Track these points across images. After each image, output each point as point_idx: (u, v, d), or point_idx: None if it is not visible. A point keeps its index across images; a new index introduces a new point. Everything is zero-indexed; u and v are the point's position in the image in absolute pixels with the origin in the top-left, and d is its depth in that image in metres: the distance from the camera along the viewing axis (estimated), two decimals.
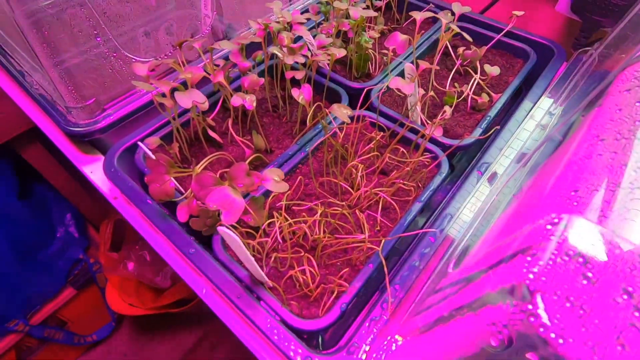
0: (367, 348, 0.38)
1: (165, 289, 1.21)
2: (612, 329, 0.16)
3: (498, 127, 0.54)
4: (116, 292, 1.14)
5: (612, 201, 0.21)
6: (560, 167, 0.26)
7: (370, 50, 0.66)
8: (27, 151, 1.02)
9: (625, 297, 0.16)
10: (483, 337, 0.19)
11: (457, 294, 0.26)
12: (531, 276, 0.17)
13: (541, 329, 0.16)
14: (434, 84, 0.66)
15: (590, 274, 0.17)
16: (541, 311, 0.16)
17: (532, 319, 0.16)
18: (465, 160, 0.63)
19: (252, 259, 0.39)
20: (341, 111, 0.49)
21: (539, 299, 0.17)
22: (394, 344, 0.34)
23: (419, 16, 0.55)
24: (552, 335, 0.16)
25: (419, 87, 0.53)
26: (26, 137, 0.97)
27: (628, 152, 0.23)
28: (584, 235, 0.18)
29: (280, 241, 0.46)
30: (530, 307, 0.17)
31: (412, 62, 0.55)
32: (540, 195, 0.26)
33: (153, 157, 0.43)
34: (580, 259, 0.18)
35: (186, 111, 0.57)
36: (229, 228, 0.37)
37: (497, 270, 0.21)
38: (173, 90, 0.46)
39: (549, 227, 0.19)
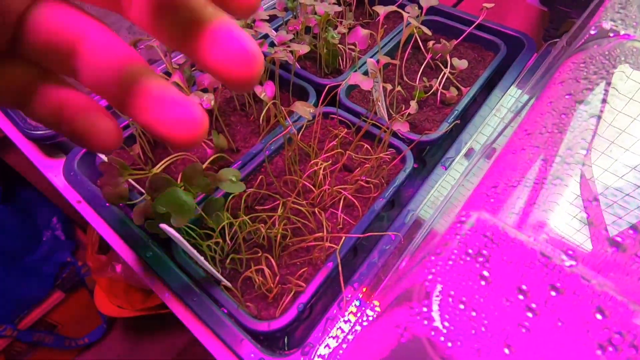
0: (322, 347, 0.38)
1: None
2: (500, 331, 0.15)
3: (458, 121, 0.53)
4: (104, 294, 1.14)
5: (526, 198, 0.20)
6: (491, 162, 0.25)
7: (339, 46, 0.65)
8: (10, 155, 1.01)
9: (520, 297, 0.16)
10: (391, 339, 0.18)
11: (389, 294, 0.25)
12: (430, 277, 0.17)
13: (432, 332, 0.16)
14: (405, 79, 0.65)
15: (487, 273, 0.17)
16: (434, 314, 0.16)
17: (425, 322, 0.16)
18: (438, 155, 0.62)
19: (202, 257, 0.39)
20: (303, 108, 0.49)
21: (433, 301, 0.16)
22: (345, 343, 0.34)
23: (382, 10, 0.55)
24: (442, 338, 0.15)
25: (382, 82, 0.53)
26: (8, 141, 0.97)
27: (549, 147, 0.22)
28: (487, 234, 0.18)
29: (233, 243, 0.45)
30: (425, 309, 0.16)
31: (377, 58, 0.54)
32: (470, 192, 0.25)
33: (105, 159, 0.43)
34: (480, 258, 0.17)
35: None
36: (171, 226, 0.37)
37: (413, 270, 0.20)
38: None
39: (458, 225, 0.19)
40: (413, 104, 0.54)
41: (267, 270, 0.41)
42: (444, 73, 0.62)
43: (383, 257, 0.44)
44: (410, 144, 0.53)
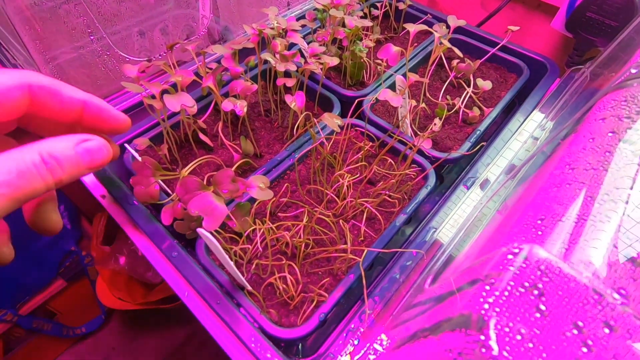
0: (343, 359, 0.39)
1: (155, 284, 1.21)
2: None
3: (484, 143, 0.54)
4: (106, 286, 1.15)
5: (574, 233, 0.21)
6: (532, 193, 0.26)
7: (365, 59, 0.66)
8: (21, 142, 1.02)
9: (575, 331, 0.17)
10: None
11: (425, 314, 0.26)
12: (486, 306, 0.18)
13: None
14: (427, 95, 0.66)
15: (543, 307, 0.18)
16: (492, 343, 0.17)
17: (483, 350, 0.17)
18: (455, 172, 0.63)
19: (232, 263, 0.39)
20: (332, 120, 0.50)
21: (491, 331, 0.17)
22: (370, 355, 0.34)
23: (412, 28, 0.56)
24: None
25: (409, 98, 0.54)
26: (22, 130, 0.98)
27: (595, 184, 0.23)
28: (541, 268, 0.19)
29: (260, 249, 0.46)
30: (482, 337, 0.17)
31: (404, 73, 0.55)
32: (510, 220, 0.26)
33: (139, 159, 0.44)
34: (536, 291, 0.18)
35: (177, 113, 0.57)
36: (209, 231, 0.37)
37: (459, 295, 0.21)
38: (163, 92, 0.47)
39: (509, 256, 0.19)
40: (437, 122, 0.55)
41: (290, 278, 0.42)
42: (467, 92, 0.63)
43: (404, 273, 0.44)
44: (432, 161, 0.54)
